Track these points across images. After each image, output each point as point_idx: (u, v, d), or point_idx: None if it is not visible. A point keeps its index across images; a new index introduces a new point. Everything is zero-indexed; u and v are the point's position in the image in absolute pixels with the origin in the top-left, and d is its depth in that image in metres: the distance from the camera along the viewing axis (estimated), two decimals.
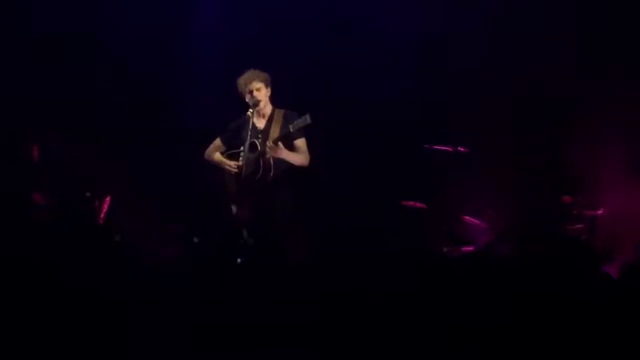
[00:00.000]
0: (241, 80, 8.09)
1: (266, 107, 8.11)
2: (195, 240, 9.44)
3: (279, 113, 8.08)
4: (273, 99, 8.17)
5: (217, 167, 8.16)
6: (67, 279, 6.58)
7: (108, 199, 9.66)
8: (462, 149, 9.46)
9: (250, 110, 8.01)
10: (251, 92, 8.04)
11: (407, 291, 5.76)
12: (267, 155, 7.87)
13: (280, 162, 7.93)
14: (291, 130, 7.82)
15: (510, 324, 5.44)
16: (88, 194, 9.62)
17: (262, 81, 8.06)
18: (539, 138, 9.62)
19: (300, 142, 8.00)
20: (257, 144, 7.95)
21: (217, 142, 8.24)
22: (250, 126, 7.95)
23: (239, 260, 7.77)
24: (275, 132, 7.96)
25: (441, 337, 5.40)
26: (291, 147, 7.96)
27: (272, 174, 7.92)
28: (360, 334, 5.57)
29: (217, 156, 8.19)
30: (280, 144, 7.84)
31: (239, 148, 8.06)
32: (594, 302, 5.53)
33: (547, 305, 5.56)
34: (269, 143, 7.83)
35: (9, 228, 8.90)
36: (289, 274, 7.07)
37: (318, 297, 5.96)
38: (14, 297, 5.95)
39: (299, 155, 7.97)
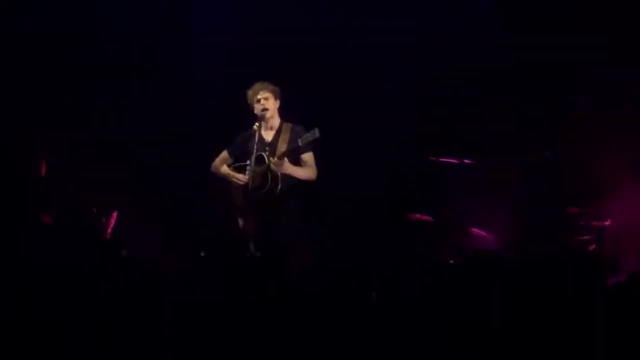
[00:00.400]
0: (250, 91, 8.14)
1: (274, 119, 8.12)
2: (202, 254, 9.43)
3: (287, 126, 8.09)
4: (281, 113, 8.18)
5: (224, 180, 8.16)
6: (74, 293, 6.59)
7: (115, 214, 9.67)
8: (467, 161, 9.46)
9: (257, 123, 8.00)
10: (259, 100, 8.06)
11: (411, 299, 5.76)
12: (274, 167, 7.86)
13: (288, 175, 7.93)
14: (300, 144, 7.83)
15: (515, 331, 5.44)
16: (94, 209, 9.63)
17: (270, 92, 8.10)
18: (545, 149, 9.60)
19: (307, 157, 8.00)
20: (265, 157, 7.94)
21: (224, 154, 8.24)
22: (257, 139, 7.95)
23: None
24: (282, 145, 7.97)
25: (446, 342, 5.41)
26: (298, 161, 7.96)
27: (279, 187, 7.92)
28: (364, 344, 5.58)
29: (224, 169, 8.19)
30: (285, 159, 7.85)
31: (246, 161, 8.06)
32: (599, 311, 5.53)
33: (552, 315, 5.56)
34: (274, 159, 7.83)
35: (16, 242, 8.92)
36: (294, 286, 7.09)
37: (322, 309, 5.97)
38: (24, 311, 5.96)
39: (305, 170, 7.97)
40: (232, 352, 5.69)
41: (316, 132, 7.79)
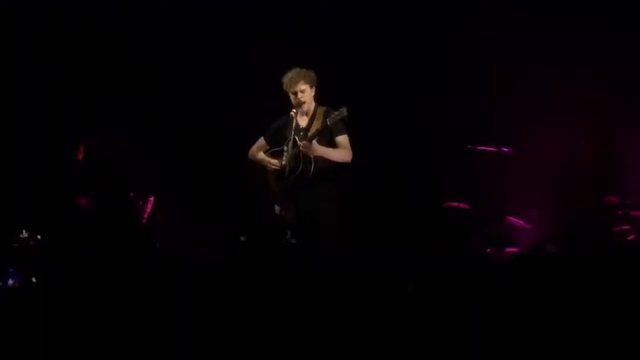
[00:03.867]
0: (286, 80, 7.97)
1: (310, 106, 8.06)
2: (243, 238, 9.44)
3: (321, 110, 7.99)
4: (317, 97, 8.09)
5: (261, 167, 8.12)
6: (110, 280, 6.61)
7: (152, 199, 9.69)
8: (506, 149, 9.40)
9: (294, 110, 7.95)
10: (295, 93, 7.96)
11: (447, 294, 5.72)
12: (304, 150, 7.80)
13: (320, 158, 7.87)
14: (328, 123, 7.76)
15: (558, 326, 5.39)
16: (132, 194, 9.67)
17: (307, 82, 7.95)
18: (584, 138, 9.54)
19: (342, 138, 7.90)
20: (297, 140, 7.90)
21: (261, 141, 8.19)
22: (294, 125, 7.92)
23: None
24: (315, 128, 7.91)
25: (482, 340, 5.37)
26: (332, 144, 7.89)
27: (312, 170, 7.84)
28: (399, 338, 5.55)
29: (261, 155, 8.13)
30: (314, 141, 7.78)
31: (282, 147, 8.01)
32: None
33: (595, 308, 5.50)
34: (303, 141, 7.78)
35: (55, 228, 8.98)
36: (328, 275, 7.06)
37: (356, 300, 5.94)
38: (58, 298, 5.98)
39: (338, 151, 7.88)
40: (263, 342, 5.68)
41: (344, 111, 7.72)
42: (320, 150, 7.82)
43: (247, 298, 5.97)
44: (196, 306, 6.06)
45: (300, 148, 7.79)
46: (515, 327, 5.45)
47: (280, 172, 7.97)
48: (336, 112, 7.75)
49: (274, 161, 8.00)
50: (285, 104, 8.03)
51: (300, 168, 7.82)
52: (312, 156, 7.81)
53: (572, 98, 9.55)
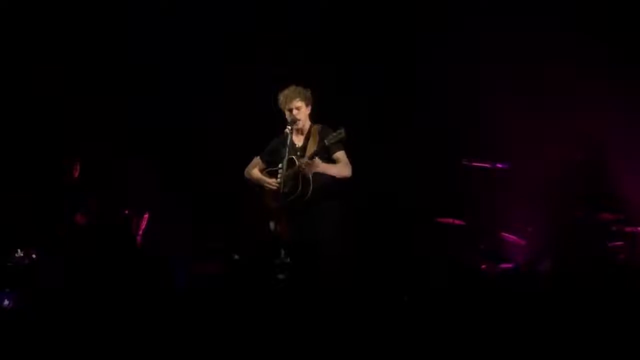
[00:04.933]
0: (281, 96, 8.01)
1: (305, 125, 8.09)
2: (236, 257, 9.45)
3: (316, 129, 8.03)
4: (312, 116, 8.12)
5: (256, 185, 8.13)
6: (105, 296, 6.63)
7: (146, 216, 9.71)
8: (500, 166, 9.43)
9: (289, 127, 7.95)
10: (290, 110, 7.99)
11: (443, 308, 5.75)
12: (305, 171, 7.82)
13: (319, 176, 7.88)
14: (326, 144, 7.77)
15: (549, 341, 5.42)
16: (126, 211, 9.68)
17: (303, 100, 7.98)
18: (575, 155, 9.55)
19: (340, 154, 7.90)
20: (295, 160, 7.90)
21: (257, 160, 8.18)
22: (289, 143, 7.92)
23: (280, 276, 7.75)
24: (311, 148, 7.92)
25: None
26: (329, 161, 7.91)
27: (310, 190, 7.85)
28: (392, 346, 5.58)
29: (256, 174, 8.13)
30: (316, 158, 7.79)
31: (278, 166, 8.01)
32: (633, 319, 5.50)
33: (588, 322, 5.53)
34: (303, 160, 7.79)
35: (50, 244, 8.99)
36: (325, 291, 7.08)
37: (353, 312, 5.96)
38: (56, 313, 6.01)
39: (337, 167, 7.87)
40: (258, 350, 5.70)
41: (342, 132, 7.74)
42: (322, 166, 7.84)
43: (240, 311, 6.00)
44: (187, 320, 6.10)
45: (302, 167, 7.79)
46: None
47: (276, 190, 7.95)
48: (334, 134, 7.76)
49: (271, 180, 7.99)
50: (279, 120, 8.05)
51: (300, 188, 7.82)
52: (310, 175, 7.82)
53: (566, 112, 9.55)
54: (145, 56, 10.14)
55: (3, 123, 9.92)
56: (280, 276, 7.68)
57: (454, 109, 9.79)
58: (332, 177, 7.87)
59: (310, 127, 8.06)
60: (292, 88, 8.01)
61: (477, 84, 9.73)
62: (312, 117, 8.09)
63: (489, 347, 5.53)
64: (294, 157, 7.89)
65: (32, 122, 9.96)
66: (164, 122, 10.19)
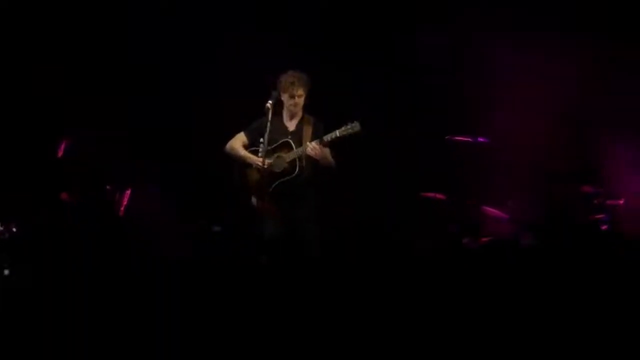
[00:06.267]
0: (286, 82, 7.93)
1: (299, 111, 8.03)
2: (216, 229, 9.44)
3: (309, 119, 7.98)
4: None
5: (237, 161, 8.06)
6: (86, 273, 6.61)
7: (128, 191, 9.69)
8: (482, 140, 9.44)
9: (270, 102, 7.89)
10: (293, 97, 7.93)
11: (425, 284, 5.75)
12: (312, 153, 7.78)
13: (312, 163, 7.89)
14: (338, 135, 7.75)
15: (531, 316, 5.43)
16: (108, 187, 9.66)
17: (305, 88, 7.94)
18: (558, 129, 9.58)
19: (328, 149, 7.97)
20: (292, 143, 7.86)
21: (241, 136, 8.06)
22: (278, 125, 7.90)
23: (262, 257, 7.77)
24: (308, 135, 7.89)
25: (456, 332, 5.40)
26: None
27: (304, 175, 7.86)
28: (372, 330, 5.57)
29: (243, 151, 8.02)
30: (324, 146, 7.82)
31: (268, 146, 7.90)
32: (616, 292, 5.52)
33: (570, 296, 5.54)
34: (313, 144, 7.76)
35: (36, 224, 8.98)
36: (307, 270, 7.08)
37: (334, 291, 5.96)
38: (41, 291, 5.98)
39: (331, 160, 7.95)
40: (239, 338, 5.69)
41: (357, 125, 7.74)
42: (328, 155, 7.85)
43: (224, 289, 5.98)
44: (173, 299, 6.08)
45: (308, 149, 7.78)
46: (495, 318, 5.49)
47: (264, 170, 7.86)
48: (348, 126, 7.75)
49: (259, 159, 7.89)
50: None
51: (296, 171, 7.82)
52: (304, 163, 7.82)
53: (550, 87, 9.58)
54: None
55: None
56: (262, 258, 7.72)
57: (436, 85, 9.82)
58: (321, 168, 7.89)
59: (303, 114, 8.02)
60: (299, 75, 7.93)
61: (461, 60, 9.77)
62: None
63: (472, 320, 5.54)
64: (289, 140, 7.86)
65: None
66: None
